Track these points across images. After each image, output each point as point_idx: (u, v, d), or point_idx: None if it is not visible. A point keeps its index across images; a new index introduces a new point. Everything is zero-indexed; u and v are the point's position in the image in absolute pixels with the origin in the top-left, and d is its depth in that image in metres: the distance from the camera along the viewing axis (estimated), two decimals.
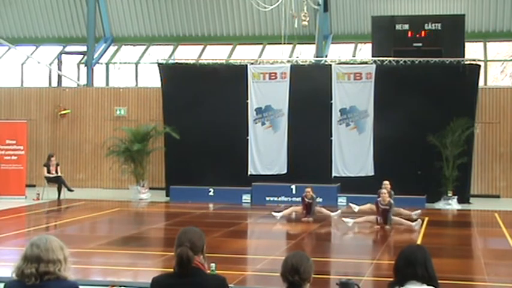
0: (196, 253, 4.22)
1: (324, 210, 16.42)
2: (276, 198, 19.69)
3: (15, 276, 3.95)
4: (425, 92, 19.62)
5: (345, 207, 17.87)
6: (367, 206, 16.20)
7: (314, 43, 24.15)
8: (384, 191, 15.57)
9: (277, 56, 22.79)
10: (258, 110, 20.96)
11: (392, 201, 15.42)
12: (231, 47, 25.76)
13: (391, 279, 4.31)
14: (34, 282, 3.87)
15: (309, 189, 16.37)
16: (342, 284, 6.60)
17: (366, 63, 20.72)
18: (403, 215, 16.07)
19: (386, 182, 16.45)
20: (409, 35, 20.68)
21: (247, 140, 20.83)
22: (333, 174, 20.31)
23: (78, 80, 25.57)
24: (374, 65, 20.23)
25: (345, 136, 20.42)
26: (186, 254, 4.15)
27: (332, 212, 16.32)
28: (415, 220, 15.36)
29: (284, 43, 21.94)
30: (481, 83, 21.30)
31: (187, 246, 4.17)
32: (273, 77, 20.87)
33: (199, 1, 25.54)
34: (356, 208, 16.61)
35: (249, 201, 19.75)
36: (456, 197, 19.21)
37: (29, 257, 3.90)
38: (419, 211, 16.89)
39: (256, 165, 20.81)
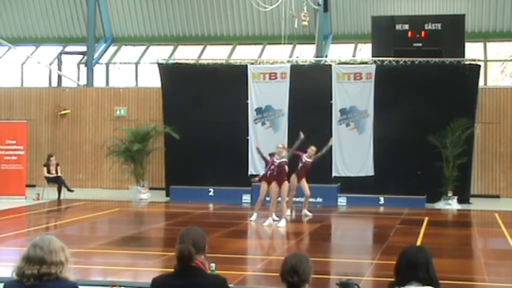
0: (197, 252, 4.21)
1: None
2: None
3: (15, 276, 3.95)
4: (425, 92, 19.62)
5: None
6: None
7: (314, 43, 24.15)
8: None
9: (277, 56, 22.79)
10: (258, 110, 20.96)
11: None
12: (231, 47, 25.76)
13: (391, 279, 4.31)
14: (33, 282, 3.88)
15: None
16: (342, 284, 6.60)
17: (366, 63, 20.71)
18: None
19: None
20: (409, 35, 20.67)
21: (247, 140, 20.82)
22: (333, 174, 20.30)
23: (78, 80, 25.57)
24: (374, 65, 20.22)
25: (345, 136, 20.41)
26: (187, 250, 4.14)
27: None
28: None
29: (284, 43, 21.93)
30: (481, 83, 21.29)
31: (189, 243, 4.17)
32: (273, 77, 20.87)
33: (199, 1, 25.54)
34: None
35: (249, 201, 19.72)
36: (456, 197, 19.20)
37: (31, 258, 3.89)
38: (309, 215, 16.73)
39: (257, 165, 20.78)
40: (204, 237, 4.32)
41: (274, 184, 15.51)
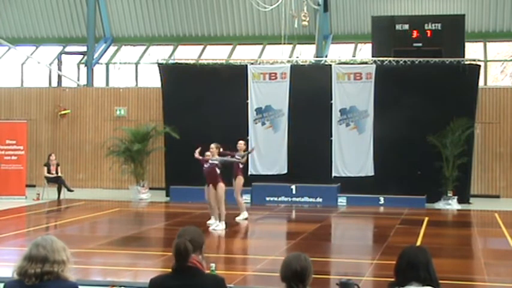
0: (195, 250, 4.20)
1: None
2: (276, 198, 19.66)
3: (16, 276, 3.95)
4: (425, 92, 19.62)
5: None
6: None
7: (314, 43, 24.14)
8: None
9: (277, 56, 22.78)
10: (258, 110, 20.96)
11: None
12: (231, 47, 25.75)
13: (391, 280, 4.30)
14: (34, 282, 3.88)
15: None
16: (342, 284, 6.59)
17: (366, 63, 20.71)
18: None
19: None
20: (409, 35, 20.68)
21: (247, 140, 20.80)
22: (333, 174, 20.29)
23: (78, 80, 25.57)
24: (374, 65, 20.22)
25: (345, 136, 20.41)
26: (183, 245, 4.12)
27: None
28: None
29: (284, 43, 21.92)
30: (481, 83, 21.29)
31: (186, 239, 4.15)
32: (273, 77, 20.87)
33: (199, 1, 25.54)
34: None
35: (249, 201, 19.71)
36: (456, 197, 19.20)
37: (34, 257, 3.90)
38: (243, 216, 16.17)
39: (257, 165, 20.79)
40: (201, 236, 4.31)
41: (210, 187, 14.81)
